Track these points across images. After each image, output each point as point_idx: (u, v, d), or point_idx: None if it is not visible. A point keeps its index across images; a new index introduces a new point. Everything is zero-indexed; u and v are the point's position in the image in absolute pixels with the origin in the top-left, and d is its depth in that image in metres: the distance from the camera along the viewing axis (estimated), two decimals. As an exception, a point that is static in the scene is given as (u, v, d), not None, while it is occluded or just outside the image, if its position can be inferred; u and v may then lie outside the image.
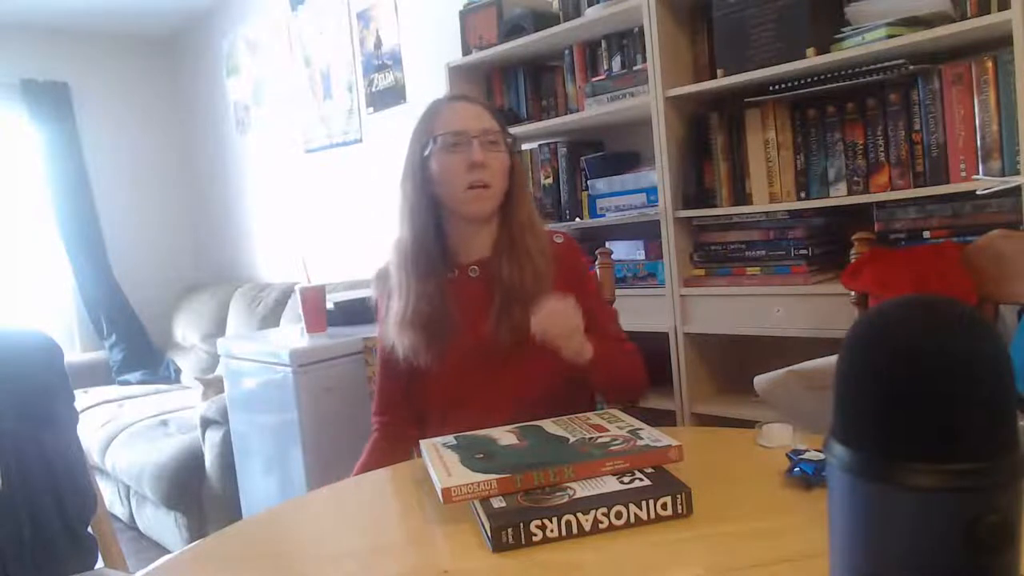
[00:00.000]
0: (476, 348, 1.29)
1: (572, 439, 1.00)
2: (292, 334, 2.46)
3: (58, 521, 1.26)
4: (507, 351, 1.27)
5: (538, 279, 1.28)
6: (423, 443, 1.06)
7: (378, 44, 3.17)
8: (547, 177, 2.32)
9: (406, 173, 1.34)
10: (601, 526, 0.82)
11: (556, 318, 1.16)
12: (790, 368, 1.37)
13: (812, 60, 1.64)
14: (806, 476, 0.88)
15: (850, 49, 1.59)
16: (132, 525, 3.10)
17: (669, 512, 0.83)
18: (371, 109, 3.26)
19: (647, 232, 2.04)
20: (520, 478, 0.88)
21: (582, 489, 0.86)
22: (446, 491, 0.86)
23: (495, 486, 0.87)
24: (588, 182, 2.19)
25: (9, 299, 3.97)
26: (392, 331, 1.31)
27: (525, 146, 2.46)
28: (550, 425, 1.07)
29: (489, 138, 1.28)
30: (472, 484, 0.86)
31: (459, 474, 0.90)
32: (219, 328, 3.79)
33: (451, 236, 1.34)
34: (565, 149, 2.28)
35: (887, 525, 0.38)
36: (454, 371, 1.30)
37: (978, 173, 1.51)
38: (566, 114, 2.25)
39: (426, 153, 1.30)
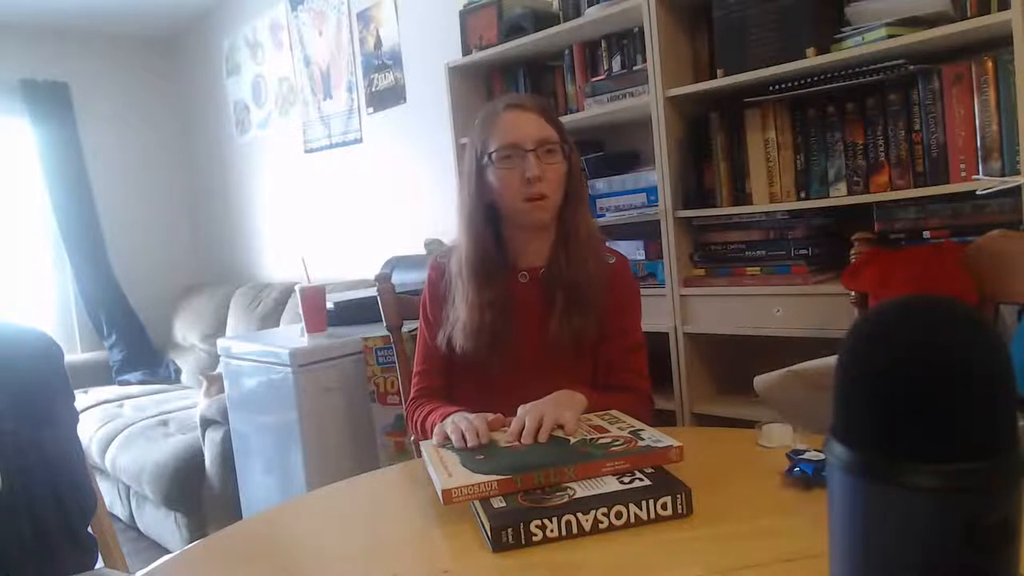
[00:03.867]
0: (536, 352, 1.29)
1: (573, 440, 1.00)
2: (292, 334, 2.46)
3: (58, 521, 1.26)
4: (562, 355, 1.28)
5: (595, 285, 1.30)
6: (423, 444, 1.06)
7: (378, 44, 3.17)
8: (547, 177, 2.32)
9: (463, 180, 1.35)
10: (601, 526, 0.82)
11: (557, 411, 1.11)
12: (790, 368, 1.37)
13: (812, 60, 1.64)
14: (806, 476, 0.89)
15: (850, 49, 1.59)
16: (132, 525, 3.10)
17: (669, 512, 0.83)
18: (371, 109, 3.26)
19: (647, 232, 2.04)
20: (520, 479, 0.88)
21: (582, 489, 0.86)
22: (446, 492, 0.86)
23: (495, 487, 0.87)
24: (588, 182, 2.19)
25: (9, 299, 3.97)
26: (457, 336, 1.31)
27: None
28: (550, 425, 1.07)
29: (546, 148, 1.28)
30: (472, 485, 0.86)
31: (459, 475, 0.90)
32: (219, 328, 3.79)
33: (509, 242, 1.35)
34: (565, 149, 2.28)
35: (887, 525, 0.38)
36: (512, 376, 1.29)
37: (978, 173, 1.51)
38: (566, 114, 2.25)
39: (483, 163, 1.30)
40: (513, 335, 1.30)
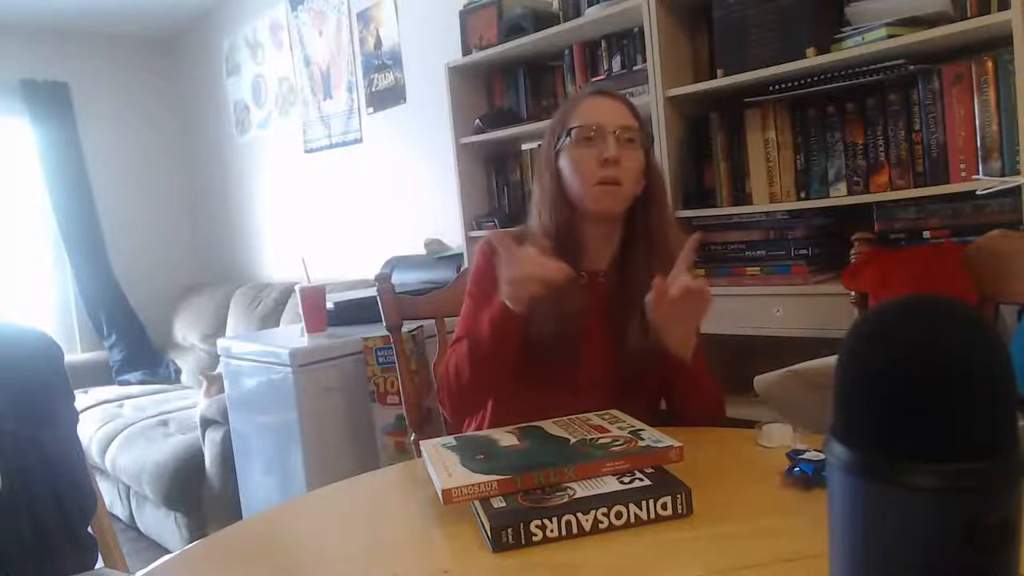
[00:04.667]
0: (592, 359, 1.23)
1: (573, 440, 1.00)
2: (292, 334, 2.46)
3: (58, 521, 1.26)
4: (621, 366, 1.22)
5: None
6: (423, 444, 1.06)
7: (378, 44, 3.17)
8: (547, 177, 2.32)
9: (539, 167, 1.30)
10: (601, 526, 0.82)
11: (687, 302, 1.07)
12: (790, 368, 1.37)
13: (812, 60, 1.64)
14: (806, 476, 0.88)
15: (850, 49, 1.59)
16: (132, 525, 3.10)
17: (669, 512, 0.83)
18: (371, 109, 3.26)
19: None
20: (520, 479, 0.88)
21: (582, 489, 0.86)
22: (446, 492, 0.86)
23: (495, 487, 0.87)
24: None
25: (9, 299, 3.97)
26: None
27: (525, 146, 2.47)
28: (551, 426, 1.07)
29: (627, 135, 1.21)
30: (472, 485, 0.86)
31: (459, 475, 0.89)
32: (219, 328, 3.79)
33: (574, 235, 1.25)
34: (565, 149, 2.28)
35: (887, 525, 0.38)
36: (559, 375, 1.23)
37: (978, 173, 1.51)
38: (566, 114, 2.25)
39: (558, 147, 1.24)
40: (583, 344, 1.22)
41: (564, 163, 1.24)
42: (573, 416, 1.10)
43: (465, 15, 2.44)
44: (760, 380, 1.43)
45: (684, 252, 1.14)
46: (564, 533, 0.81)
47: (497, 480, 0.87)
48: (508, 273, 1.11)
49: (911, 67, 1.55)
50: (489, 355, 1.18)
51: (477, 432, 1.09)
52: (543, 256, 1.10)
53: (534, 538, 0.80)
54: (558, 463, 0.90)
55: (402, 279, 2.53)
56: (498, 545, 0.80)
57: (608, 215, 1.25)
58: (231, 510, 2.57)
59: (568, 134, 1.23)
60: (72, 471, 1.32)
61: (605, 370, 1.25)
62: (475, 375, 1.19)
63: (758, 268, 1.82)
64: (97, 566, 1.36)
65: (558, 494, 0.85)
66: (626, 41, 2.13)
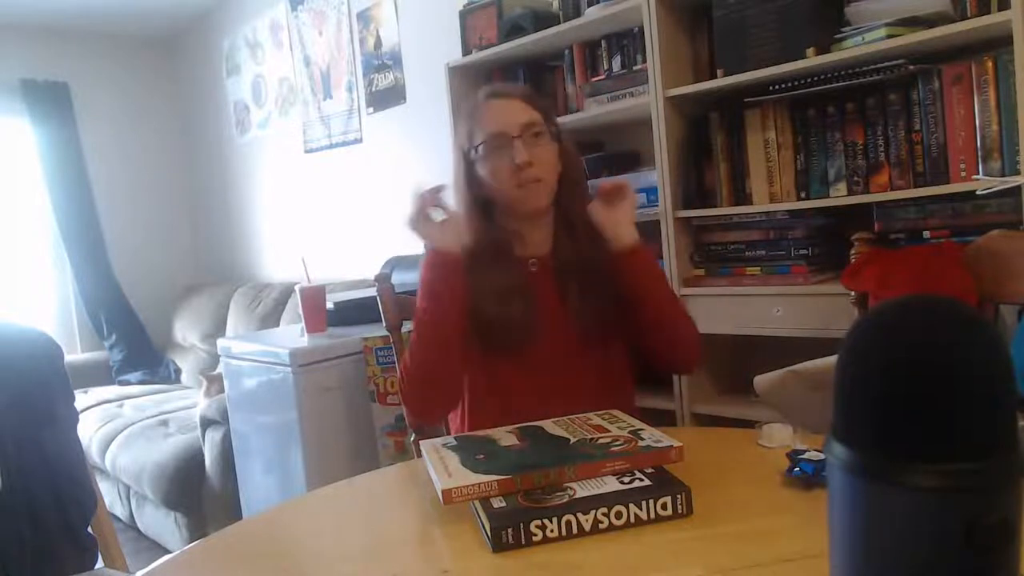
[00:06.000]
0: (561, 344, 1.27)
1: (573, 440, 1.00)
2: (292, 334, 2.46)
3: (58, 521, 1.26)
4: (575, 346, 1.27)
5: (606, 264, 1.26)
6: (423, 444, 1.06)
7: (378, 44, 3.17)
8: (547, 177, 2.32)
9: (455, 173, 1.33)
10: (601, 526, 0.82)
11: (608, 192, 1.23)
12: (790, 368, 1.37)
13: (812, 60, 1.64)
14: (806, 476, 0.88)
15: (850, 49, 1.59)
16: (132, 525, 3.10)
17: (669, 512, 0.83)
18: (371, 109, 3.26)
19: (647, 232, 2.02)
20: (520, 479, 0.88)
21: (582, 489, 0.86)
22: (446, 492, 0.86)
23: (496, 487, 0.87)
24: (588, 182, 2.19)
25: (9, 299, 3.97)
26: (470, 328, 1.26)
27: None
28: (551, 426, 1.07)
29: (533, 131, 1.25)
30: (472, 485, 0.86)
31: (459, 475, 0.89)
32: (219, 328, 3.79)
33: (507, 232, 1.31)
34: (565, 149, 2.28)
35: (887, 525, 0.38)
36: (537, 372, 1.26)
37: (978, 173, 1.51)
38: (566, 114, 2.25)
39: (472, 159, 1.29)
40: (536, 326, 1.26)
41: (483, 173, 1.28)
42: (573, 416, 1.10)
43: (465, 15, 2.44)
44: (760, 380, 1.43)
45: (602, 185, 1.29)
46: (564, 533, 0.81)
47: (497, 480, 0.87)
48: (430, 225, 1.21)
49: (911, 67, 1.55)
50: (430, 308, 1.22)
51: (477, 432, 1.09)
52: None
53: (534, 538, 0.80)
54: (558, 463, 0.90)
55: (402, 279, 2.53)
56: (498, 545, 0.80)
57: (537, 211, 1.30)
58: (231, 510, 2.57)
59: (476, 150, 1.27)
60: (72, 471, 1.32)
61: (567, 349, 1.28)
62: (420, 339, 1.22)
63: (758, 268, 1.82)
64: (97, 566, 1.36)
65: (558, 494, 0.85)
66: (626, 41, 2.13)
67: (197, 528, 2.68)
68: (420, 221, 1.22)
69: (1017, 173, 1.44)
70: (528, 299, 1.26)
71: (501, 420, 1.13)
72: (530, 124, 1.26)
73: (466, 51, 2.41)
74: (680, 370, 1.71)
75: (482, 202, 1.30)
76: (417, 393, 1.26)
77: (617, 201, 1.27)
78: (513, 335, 1.25)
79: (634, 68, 2.05)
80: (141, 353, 4.12)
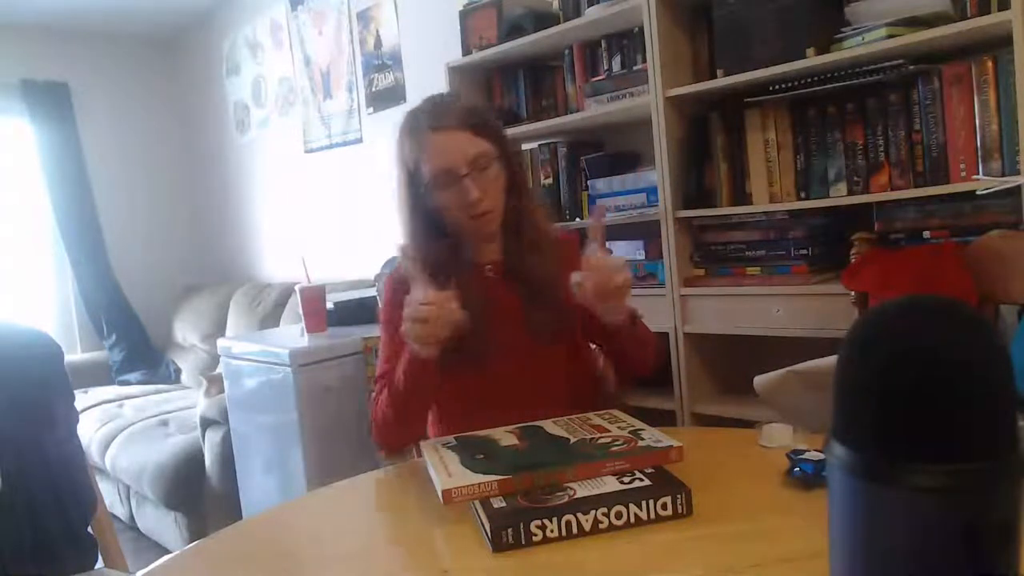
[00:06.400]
0: (510, 346, 1.26)
1: (573, 440, 1.00)
2: (292, 334, 2.46)
3: (58, 521, 1.26)
4: (536, 347, 1.28)
5: (555, 269, 1.27)
6: (423, 443, 1.06)
7: (378, 44, 3.17)
8: (547, 177, 2.32)
9: (399, 187, 1.31)
10: (601, 526, 0.82)
11: (600, 274, 1.13)
12: (790, 368, 1.37)
13: (812, 60, 1.64)
14: (806, 476, 0.89)
15: (850, 49, 1.59)
16: (132, 525, 3.10)
17: (669, 512, 0.83)
18: (371, 109, 3.26)
19: (647, 232, 2.04)
20: (520, 479, 0.88)
21: (582, 489, 0.86)
22: (446, 492, 0.86)
23: (495, 487, 0.87)
24: (588, 182, 2.19)
25: (9, 299, 3.97)
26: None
27: (525, 146, 2.46)
28: (551, 426, 1.07)
29: (480, 165, 1.23)
30: (472, 485, 0.86)
31: (459, 475, 0.90)
32: (219, 328, 3.79)
33: (460, 240, 1.31)
34: (565, 149, 2.28)
35: (887, 525, 0.38)
36: (501, 379, 1.26)
37: (978, 173, 1.51)
38: (566, 114, 2.25)
39: (421, 191, 1.27)
40: (497, 332, 1.25)
41: (434, 203, 1.26)
42: (573, 416, 1.10)
43: (465, 15, 2.44)
44: (760, 380, 1.43)
45: (592, 227, 1.24)
46: (564, 533, 0.81)
47: (497, 480, 0.87)
48: (415, 327, 1.11)
49: (911, 67, 1.55)
50: (408, 399, 1.21)
51: (477, 432, 1.09)
52: (436, 295, 1.11)
53: (534, 538, 0.80)
54: (558, 463, 0.90)
55: (402, 279, 2.53)
56: (498, 545, 0.80)
57: (491, 236, 1.31)
58: (231, 510, 2.57)
59: (425, 187, 1.25)
60: (72, 471, 1.32)
61: (531, 349, 1.29)
62: (399, 417, 1.22)
63: (758, 268, 1.82)
64: (97, 566, 1.36)
65: (558, 494, 0.85)
66: (626, 41, 2.13)
67: (197, 528, 2.68)
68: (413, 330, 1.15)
69: (1017, 173, 1.44)
70: (490, 308, 1.26)
71: (468, 425, 1.13)
72: (478, 157, 1.23)
73: (466, 51, 2.41)
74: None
75: (429, 217, 1.29)
76: (393, 440, 1.30)
77: (611, 286, 1.16)
78: (480, 345, 1.24)
79: (634, 68, 2.05)
80: (141, 353, 4.12)
